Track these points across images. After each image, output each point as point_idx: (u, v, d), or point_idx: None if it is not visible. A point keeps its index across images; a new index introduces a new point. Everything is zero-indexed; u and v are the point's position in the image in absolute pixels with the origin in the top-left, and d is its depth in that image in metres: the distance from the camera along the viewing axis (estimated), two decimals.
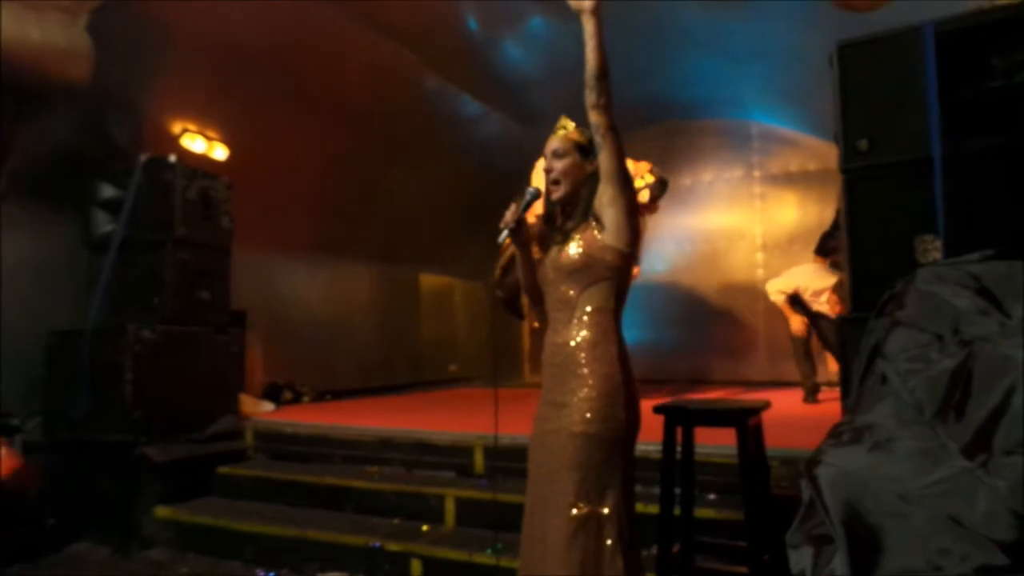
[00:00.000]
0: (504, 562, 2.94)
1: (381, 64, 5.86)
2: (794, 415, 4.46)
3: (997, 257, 1.38)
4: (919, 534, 0.85)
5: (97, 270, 4.23)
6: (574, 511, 1.84)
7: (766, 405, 2.39)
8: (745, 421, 2.22)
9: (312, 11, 5.04)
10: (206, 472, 4.11)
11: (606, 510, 1.85)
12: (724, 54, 6.02)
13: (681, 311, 7.53)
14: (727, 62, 6.15)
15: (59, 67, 4.09)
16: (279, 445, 4.40)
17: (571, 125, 2.06)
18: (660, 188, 4.80)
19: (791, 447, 3.06)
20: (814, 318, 5.00)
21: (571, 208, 2.03)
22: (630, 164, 3.76)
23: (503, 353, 8.74)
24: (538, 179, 4.98)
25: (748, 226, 7.38)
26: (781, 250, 7.21)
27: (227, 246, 4.60)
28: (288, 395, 5.86)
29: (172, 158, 4.29)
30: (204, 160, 5.12)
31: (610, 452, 1.86)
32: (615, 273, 1.93)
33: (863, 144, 2.41)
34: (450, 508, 3.41)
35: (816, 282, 4.98)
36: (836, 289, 4.79)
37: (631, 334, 2.04)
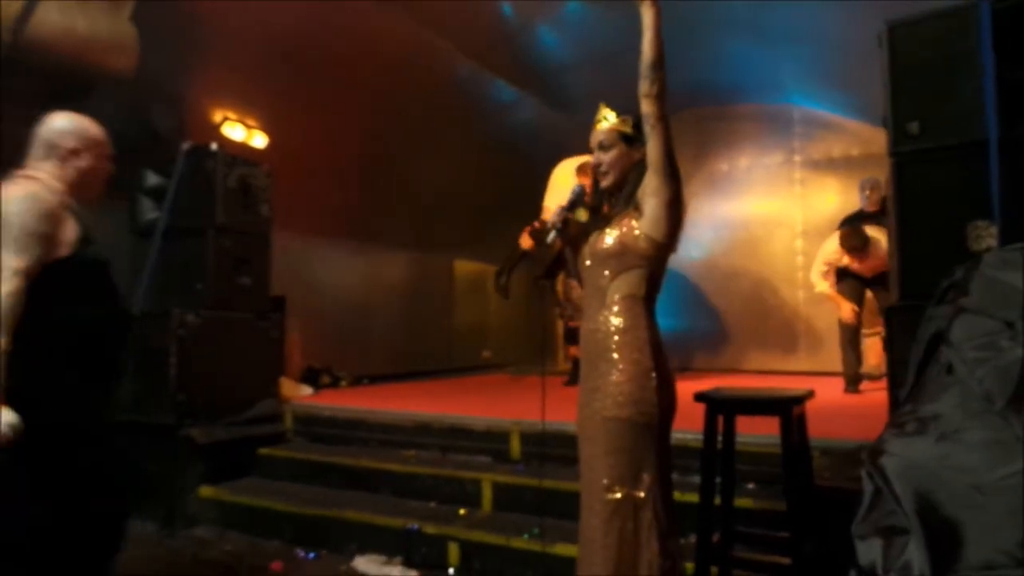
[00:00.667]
0: (540, 547, 2.96)
1: (416, 51, 5.86)
2: (833, 405, 4.39)
3: None
4: (997, 526, 0.83)
5: (142, 256, 4.32)
6: (608, 495, 1.87)
7: (810, 394, 2.35)
8: (789, 410, 2.19)
9: (348, 0, 5.06)
10: (247, 454, 4.20)
11: (641, 494, 1.86)
12: (765, 38, 5.89)
13: (718, 299, 7.44)
14: (768, 46, 6.02)
15: (104, 57, 4.17)
16: (318, 428, 4.47)
17: (612, 115, 2.05)
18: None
19: (831, 437, 3.02)
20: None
21: (617, 196, 2.05)
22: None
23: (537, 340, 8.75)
24: (553, 196, 4.97)
25: (788, 213, 7.24)
26: (822, 237, 7.01)
27: (267, 233, 4.66)
28: (326, 379, 5.95)
29: (213, 146, 4.36)
30: (244, 148, 5.19)
31: (643, 436, 1.88)
32: (648, 262, 1.95)
33: (914, 127, 2.34)
34: (487, 493, 3.44)
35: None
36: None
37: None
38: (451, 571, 3.13)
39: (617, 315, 1.94)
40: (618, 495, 1.86)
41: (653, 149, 1.92)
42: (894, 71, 2.43)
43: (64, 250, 1.96)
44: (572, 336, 5.45)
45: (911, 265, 2.27)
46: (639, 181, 1.97)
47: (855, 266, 5.01)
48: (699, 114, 7.32)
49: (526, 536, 3.03)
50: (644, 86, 1.90)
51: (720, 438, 2.38)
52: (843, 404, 4.52)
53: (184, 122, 4.94)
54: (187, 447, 3.97)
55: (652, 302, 1.99)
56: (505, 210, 7.87)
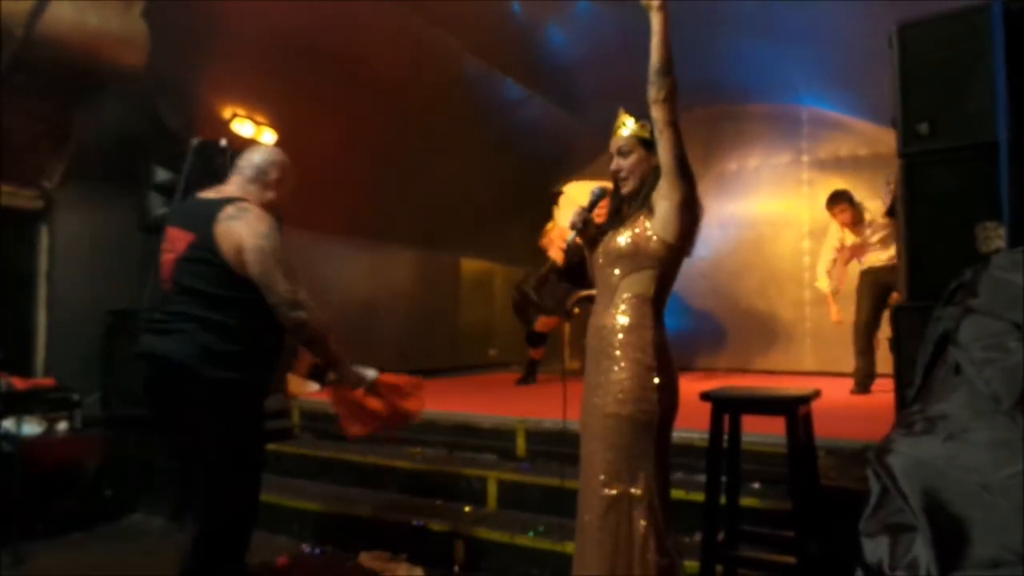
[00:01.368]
0: (546, 544, 2.97)
1: (424, 49, 5.87)
2: (839, 405, 4.39)
3: None
4: (1004, 524, 0.83)
5: (152, 251, 4.34)
6: (605, 491, 1.90)
7: (816, 394, 2.35)
8: (795, 409, 2.19)
9: None
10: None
11: (637, 491, 1.88)
12: (774, 37, 5.87)
13: (724, 298, 7.43)
14: (777, 46, 6.00)
15: (115, 53, 4.20)
16: (324, 424, 4.49)
17: (632, 121, 2.08)
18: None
19: (837, 437, 3.02)
20: None
21: (634, 200, 2.08)
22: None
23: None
24: (567, 214, 4.99)
25: (795, 212, 7.22)
26: None
27: None
28: (332, 376, 5.95)
29: (223, 142, 4.38)
30: (253, 144, 5.21)
31: (641, 434, 1.90)
32: (659, 263, 1.97)
33: (923, 128, 2.34)
34: (492, 490, 3.45)
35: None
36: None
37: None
38: (456, 568, 3.14)
39: (623, 314, 1.96)
40: (614, 491, 1.89)
41: (663, 153, 1.96)
42: (904, 71, 2.43)
43: None
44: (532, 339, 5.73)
45: (919, 266, 2.27)
46: (655, 184, 2.00)
47: (858, 241, 5.03)
48: (708, 113, 7.31)
49: (531, 534, 3.05)
50: (652, 91, 1.94)
51: (726, 437, 2.38)
52: (849, 404, 4.51)
53: (193, 118, 4.96)
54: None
55: (661, 303, 2.01)
56: (512, 208, 7.89)
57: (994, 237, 2.11)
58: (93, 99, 4.36)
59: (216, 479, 2.32)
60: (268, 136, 5.41)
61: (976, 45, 2.29)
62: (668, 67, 1.92)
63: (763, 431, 2.82)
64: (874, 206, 5.18)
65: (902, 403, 1.77)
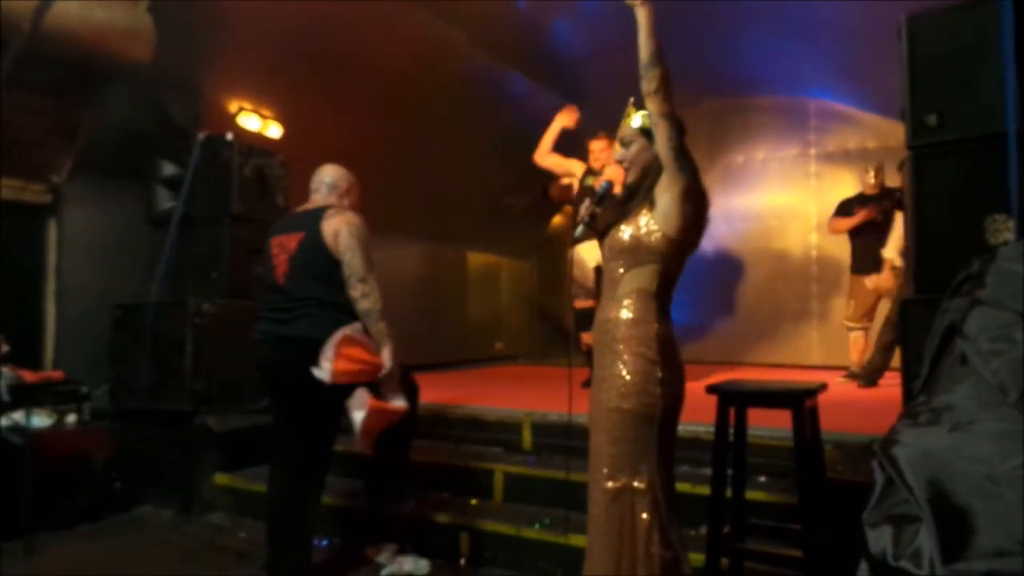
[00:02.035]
0: (552, 537, 2.98)
1: (431, 42, 5.86)
2: (846, 399, 4.38)
3: None
4: (1009, 515, 0.83)
5: (159, 245, 4.37)
6: (609, 484, 1.91)
7: (823, 387, 2.34)
8: (801, 403, 2.19)
9: None
10: (262, 442, 4.23)
11: (640, 485, 1.88)
12: (782, 30, 5.84)
13: (731, 291, 7.42)
14: (785, 38, 5.97)
15: (121, 47, 4.20)
16: None
17: (635, 111, 2.08)
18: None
19: (843, 431, 3.01)
20: None
21: (637, 193, 2.08)
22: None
23: (550, 331, 8.76)
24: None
25: (802, 205, 7.19)
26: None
27: None
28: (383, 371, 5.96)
29: (229, 136, 4.39)
30: (259, 138, 5.22)
31: (644, 428, 1.91)
32: (660, 258, 1.96)
33: (932, 119, 2.32)
34: (499, 483, 3.46)
35: None
36: None
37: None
38: (462, 561, 3.15)
39: (627, 308, 1.96)
40: (618, 484, 1.89)
41: (660, 145, 1.96)
42: (913, 63, 2.41)
43: None
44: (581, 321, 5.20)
45: (928, 259, 2.26)
46: (658, 176, 1.99)
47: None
48: (715, 106, 7.28)
49: (537, 526, 3.05)
50: (644, 85, 1.94)
51: (732, 430, 2.38)
52: (856, 398, 4.50)
53: (200, 112, 4.97)
54: (203, 434, 4.02)
55: (665, 297, 2.00)
56: (523, 203, 7.88)
57: (1003, 229, 2.10)
58: (100, 94, 4.37)
59: (325, 441, 2.91)
60: (274, 130, 5.41)
61: (985, 37, 2.28)
62: (655, 59, 1.92)
63: (769, 424, 2.82)
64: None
65: (909, 396, 1.77)
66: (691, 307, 7.16)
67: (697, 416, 2.64)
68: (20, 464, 3.38)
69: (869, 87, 6.22)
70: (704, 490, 2.57)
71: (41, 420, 3.69)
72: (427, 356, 7.17)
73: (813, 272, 7.08)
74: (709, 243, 7.25)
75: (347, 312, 2.74)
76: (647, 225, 1.96)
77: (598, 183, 2.19)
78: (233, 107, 5.23)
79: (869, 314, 5.25)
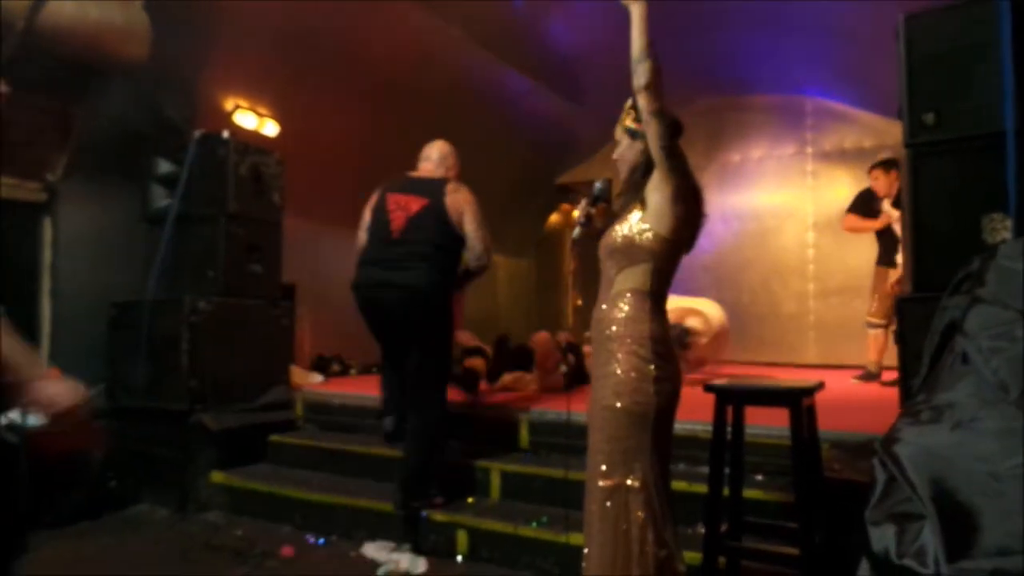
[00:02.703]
0: (549, 535, 2.98)
1: (427, 40, 5.84)
2: (843, 397, 4.38)
3: None
4: (1012, 513, 0.83)
5: (155, 243, 4.35)
6: (603, 482, 1.91)
7: (820, 386, 2.34)
8: (799, 401, 2.19)
9: None
10: (258, 440, 4.23)
11: (634, 483, 1.88)
12: (779, 29, 5.84)
13: (728, 290, 7.42)
14: (782, 37, 5.97)
15: (117, 45, 4.18)
16: (328, 416, 4.50)
17: (632, 112, 2.07)
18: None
19: (840, 429, 3.01)
20: None
21: (627, 192, 2.09)
22: None
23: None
24: None
25: (799, 204, 7.20)
26: (832, 229, 7.01)
27: (278, 221, 4.68)
28: (336, 367, 5.97)
29: (225, 134, 4.37)
30: (255, 136, 5.21)
31: (637, 426, 1.90)
32: (653, 257, 1.96)
33: (929, 118, 2.33)
34: (496, 481, 3.45)
35: None
36: None
37: None
38: (459, 558, 3.16)
39: (621, 308, 1.96)
40: (612, 482, 1.89)
41: (650, 144, 1.95)
42: (910, 62, 2.42)
43: None
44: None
45: (925, 257, 2.26)
46: (646, 178, 1.99)
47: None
48: (712, 104, 7.28)
49: (534, 524, 3.05)
50: (634, 80, 1.94)
51: (729, 429, 2.38)
52: (853, 397, 4.51)
53: (196, 110, 4.95)
54: (199, 433, 4.01)
55: (659, 296, 2.00)
56: (516, 200, 7.88)
57: (1000, 228, 2.11)
58: (95, 92, 4.35)
59: (436, 377, 3.35)
60: (271, 128, 5.40)
61: (983, 36, 2.29)
62: (646, 53, 1.91)
63: (767, 423, 2.82)
64: None
65: (907, 393, 1.77)
66: None
67: (695, 414, 2.65)
68: (16, 462, 3.36)
69: (866, 86, 6.23)
70: (701, 488, 2.56)
71: (36, 419, 3.67)
72: None
73: (810, 271, 7.09)
74: (705, 241, 7.20)
75: (447, 272, 3.33)
76: (639, 224, 1.96)
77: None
78: (229, 105, 5.22)
79: (892, 311, 5.12)
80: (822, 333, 6.93)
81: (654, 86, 1.91)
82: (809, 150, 7.20)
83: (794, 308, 7.13)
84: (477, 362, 4.65)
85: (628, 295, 1.96)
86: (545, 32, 6.39)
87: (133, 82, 4.39)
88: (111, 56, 4.18)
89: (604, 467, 1.92)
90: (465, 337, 4.91)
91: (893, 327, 5.03)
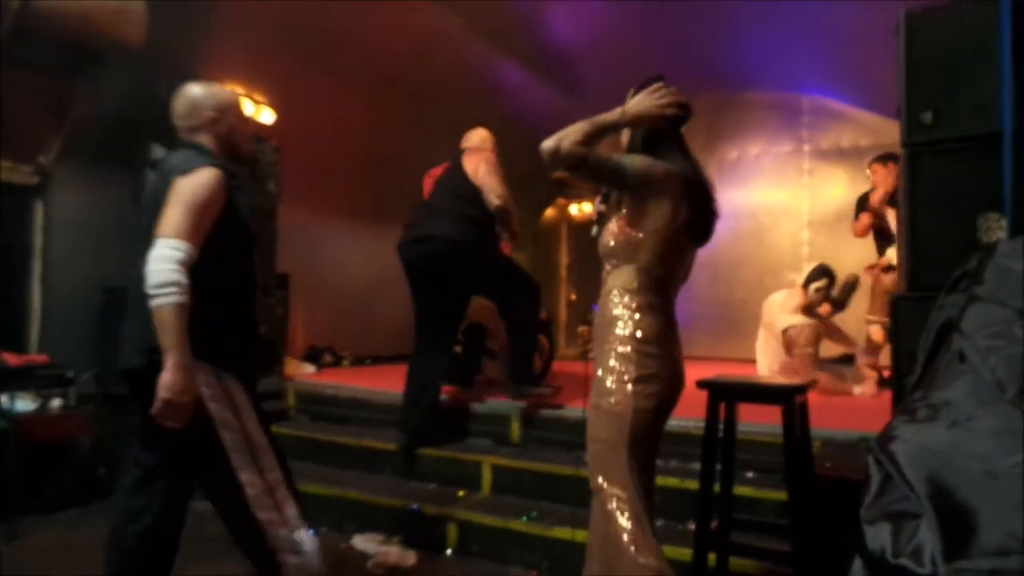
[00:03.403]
0: (539, 529, 2.98)
1: (425, 31, 5.81)
2: (834, 397, 4.39)
3: None
4: (1011, 512, 0.82)
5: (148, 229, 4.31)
6: (591, 483, 1.89)
7: (813, 383, 2.34)
8: (792, 399, 2.18)
9: None
10: None
11: (611, 486, 1.84)
12: (778, 26, 5.83)
13: (723, 287, 7.43)
14: (780, 34, 5.96)
15: (113, 28, 4.14)
16: (320, 407, 4.49)
17: (629, 97, 2.06)
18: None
19: (830, 428, 3.02)
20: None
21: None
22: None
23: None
24: None
25: (795, 202, 7.20)
26: (828, 227, 7.03)
27: (273, 210, 4.66)
28: (328, 358, 5.96)
29: None
30: (251, 124, 5.16)
31: (615, 428, 1.86)
32: (636, 256, 1.93)
33: (927, 117, 2.32)
34: (487, 475, 3.45)
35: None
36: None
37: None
38: (449, 552, 3.15)
39: (608, 307, 1.96)
40: (596, 483, 1.87)
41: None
42: (909, 60, 2.40)
43: None
44: None
45: (920, 255, 2.26)
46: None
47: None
48: (710, 101, 7.26)
49: (524, 519, 3.05)
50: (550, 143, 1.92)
51: (721, 426, 2.38)
52: (844, 396, 4.52)
53: None
54: None
55: (649, 295, 1.93)
56: (514, 193, 7.84)
57: (996, 228, 2.10)
58: (91, 75, 4.31)
59: (511, 289, 3.82)
60: (267, 115, 5.36)
61: (982, 34, 2.27)
62: (578, 144, 1.90)
63: (758, 420, 2.82)
64: None
65: (901, 391, 1.76)
66: (682, 302, 7.16)
67: (687, 411, 2.63)
68: (4, 448, 3.34)
69: (863, 85, 6.23)
70: (693, 485, 2.57)
71: (25, 404, 3.65)
72: None
73: (804, 269, 7.09)
74: None
75: (475, 223, 3.69)
76: (620, 224, 1.96)
77: None
78: None
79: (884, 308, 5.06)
80: None
81: (571, 164, 1.90)
82: (806, 148, 7.20)
83: None
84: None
85: (614, 293, 1.95)
86: (545, 25, 6.37)
87: (129, 66, 4.35)
88: (108, 39, 4.14)
89: (591, 467, 1.91)
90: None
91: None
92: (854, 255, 5.89)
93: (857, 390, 4.52)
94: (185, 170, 2.04)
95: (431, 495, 3.42)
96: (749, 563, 2.53)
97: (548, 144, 1.88)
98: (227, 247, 2.11)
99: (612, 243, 1.97)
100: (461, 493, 3.43)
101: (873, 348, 4.83)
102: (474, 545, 3.12)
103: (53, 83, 4.25)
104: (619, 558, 1.79)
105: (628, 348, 1.88)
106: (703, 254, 2.17)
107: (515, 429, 3.75)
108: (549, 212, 8.77)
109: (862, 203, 5.20)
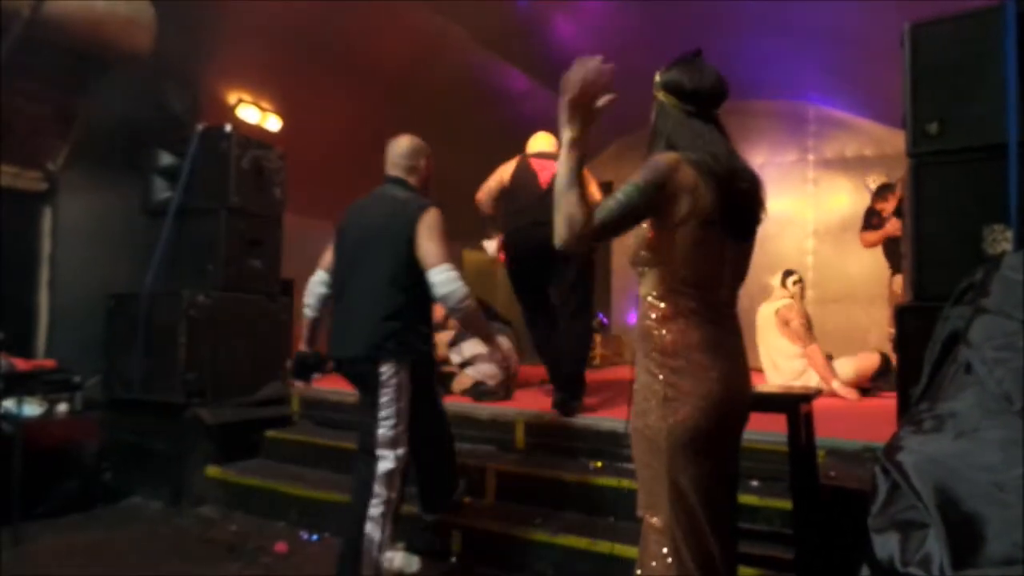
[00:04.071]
0: (543, 536, 2.97)
1: (430, 38, 5.85)
2: (838, 406, 4.39)
3: None
4: (1018, 523, 0.83)
5: (155, 236, 4.34)
6: (639, 513, 1.71)
7: (818, 393, 2.34)
8: (797, 408, 2.19)
9: None
10: (254, 435, 4.23)
11: (654, 520, 1.65)
12: (783, 34, 5.85)
13: None
14: (786, 43, 5.98)
15: (121, 36, 4.18)
16: (323, 412, 4.50)
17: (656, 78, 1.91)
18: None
19: (834, 437, 3.02)
20: None
21: None
22: None
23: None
24: None
25: (799, 211, 7.21)
26: (833, 237, 7.04)
27: (278, 215, 4.67)
28: (332, 364, 5.96)
29: (227, 128, 4.37)
30: (257, 130, 5.20)
31: (651, 454, 1.66)
32: (656, 257, 1.71)
33: (933, 128, 2.32)
34: (491, 482, 3.45)
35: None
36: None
37: None
38: (453, 559, 3.15)
39: (642, 318, 1.76)
40: (642, 513, 1.69)
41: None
42: (915, 71, 2.41)
43: None
44: None
45: (925, 266, 2.26)
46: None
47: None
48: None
49: (529, 526, 3.05)
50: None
51: None
52: (848, 405, 4.51)
53: (198, 103, 4.95)
54: (195, 427, 4.01)
55: (676, 301, 1.70)
56: None
57: (1001, 239, 2.11)
58: (98, 82, 4.35)
59: (584, 297, 4.04)
60: (273, 123, 5.40)
61: (988, 46, 2.28)
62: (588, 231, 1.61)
63: (763, 429, 2.82)
64: None
65: (906, 402, 1.76)
66: None
67: None
68: (10, 452, 3.36)
69: (869, 94, 6.25)
70: None
71: (32, 409, 3.67)
72: None
73: (809, 279, 7.09)
74: None
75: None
76: (640, 228, 1.74)
77: None
78: (232, 99, 5.22)
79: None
80: (820, 341, 6.91)
81: (592, 241, 1.64)
82: (811, 157, 7.21)
83: None
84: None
85: (645, 301, 1.74)
86: (548, 31, 6.40)
87: (137, 73, 4.38)
88: (115, 47, 4.18)
89: (639, 495, 1.71)
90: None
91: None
92: (860, 263, 5.91)
93: (840, 389, 4.69)
94: (423, 206, 2.73)
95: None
96: (753, 572, 2.53)
97: (561, 240, 1.61)
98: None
99: (634, 246, 1.76)
100: (465, 499, 3.42)
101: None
102: (478, 552, 3.12)
103: (61, 90, 4.29)
104: None
105: (654, 363, 1.68)
106: None
107: (520, 435, 3.75)
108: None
109: (871, 215, 5.26)
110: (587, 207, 1.59)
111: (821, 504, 2.33)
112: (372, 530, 2.58)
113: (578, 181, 1.61)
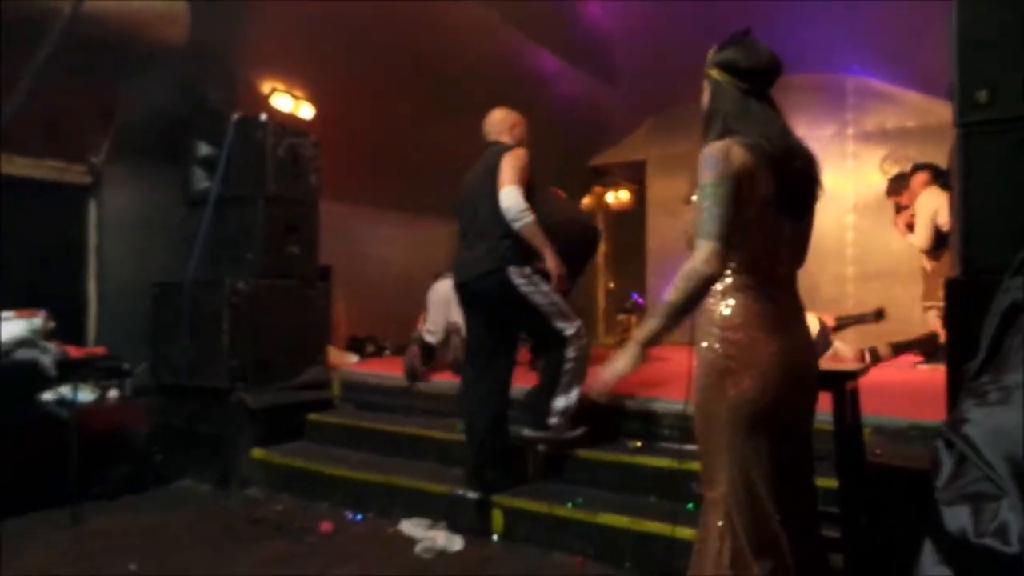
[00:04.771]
0: (584, 515, 2.99)
1: (461, 22, 5.82)
2: (883, 383, 4.30)
3: None
4: None
5: (195, 225, 4.43)
6: (699, 489, 1.74)
7: (864, 369, 2.31)
8: (842, 385, 2.15)
9: None
10: (297, 418, 4.32)
11: (712, 494, 1.68)
12: (821, 5, 5.70)
13: None
14: (823, 14, 5.83)
15: (158, 29, 4.25)
16: (364, 395, 4.57)
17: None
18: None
19: (882, 415, 2.96)
20: None
21: None
22: None
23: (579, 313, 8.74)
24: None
25: (839, 186, 7.03)
26: (873, 212, 6.87)
27: (315, 202, 4.73)
28: (371, 348, 6.05)
29: (263, 117, 4.42)
30: (292, 119, 5.25)
31: (712, 430, 1.69)
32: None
33: (982, 96, 2.24)
34: (531, 461, 3.47)
35: None
36: None
37: None
38: (495, 537, 3.19)
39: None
40: (700, 490, 1.72)
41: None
42: (963, 36, 2.32)
43: None
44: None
45: (974, 239, 2.20)
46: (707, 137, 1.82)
47: None
48: None
49: (570, 505, 3.07)
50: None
51: None
52: (893, 382, 4.42)
53: (234, 93, 5.01)
54: (240, 410, 4.10)
55: (735, 278, 1.70)
56: (551, 183, 7.83)
57: None
58: (137, 76, 4.43)
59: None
60: (306, 110, 5.44)
61: None
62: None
63: None
64: None
65: (958, 376, 1.72)
66: None
67: None
68: (67, 437, 3.48)
69: (910, 64, 6.05)
70: None
71: (86, 395, 3.80)
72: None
73: (849, 255, 6.96)
74: None
75: None
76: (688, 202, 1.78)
77: None
78: (266, 88, 5.27)
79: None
80: None
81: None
82: (850, 131, 7.03)
83: (832, 291, 7.00)
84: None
85: None
86: (579, 13, 6.33)
87: (174, 66, 4.45)
88: (153, 41, 4.25)
89: (701, 471, 1.75)
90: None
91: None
92: (902, 240, 5.74)
93: (843, 349, 4.82)
94: (509, 147, 3.32)
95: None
96: None
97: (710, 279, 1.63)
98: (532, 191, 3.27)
99: (691, 217, 1.72)
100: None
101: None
102: (520, 531, 3.15)
103: (101, 85, 4.39)
104: (704, 570, 1.66)
105: (713, 337, 1.69)
106: None
107: None
108: (586, 200, 8.73)
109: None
110: (699, 283, 1.60)
111: (867, 482, 2.30)
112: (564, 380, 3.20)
113: (682, 318, 1.64)
